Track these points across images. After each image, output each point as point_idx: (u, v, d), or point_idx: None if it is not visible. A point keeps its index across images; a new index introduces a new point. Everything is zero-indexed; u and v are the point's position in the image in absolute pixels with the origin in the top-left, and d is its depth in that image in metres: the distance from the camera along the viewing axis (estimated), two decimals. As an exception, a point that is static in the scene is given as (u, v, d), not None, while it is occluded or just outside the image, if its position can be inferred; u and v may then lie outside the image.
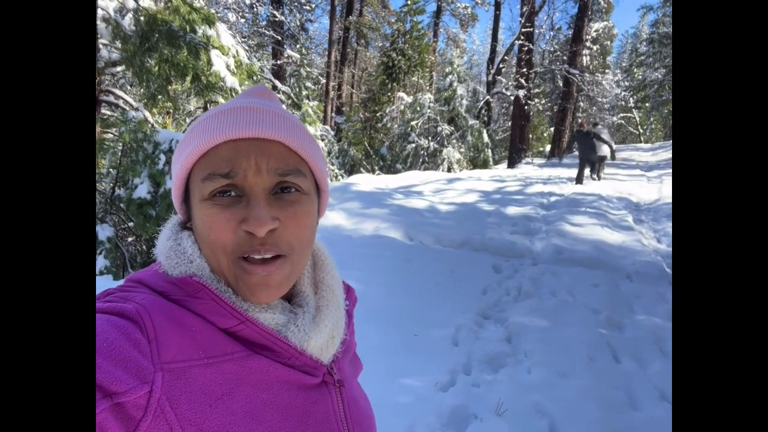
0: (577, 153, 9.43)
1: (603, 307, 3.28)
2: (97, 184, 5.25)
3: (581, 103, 20.10)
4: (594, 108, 22.94)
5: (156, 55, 4.47)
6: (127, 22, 4.39)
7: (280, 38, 14.51)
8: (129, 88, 8.73)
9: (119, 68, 4.82)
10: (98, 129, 5.06)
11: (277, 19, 14.59)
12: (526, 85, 14.03)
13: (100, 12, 4.14)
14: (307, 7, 15.93)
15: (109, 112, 6.15)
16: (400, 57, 14.62)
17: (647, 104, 23.39)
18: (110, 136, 5.07)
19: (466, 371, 2.48)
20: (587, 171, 9.04)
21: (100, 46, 4.29)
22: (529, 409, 2.14)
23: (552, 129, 17.85)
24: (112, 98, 5.45)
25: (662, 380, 2.42)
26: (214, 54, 4.85)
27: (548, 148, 17.76)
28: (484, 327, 3.03)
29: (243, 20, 14.68)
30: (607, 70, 21.41)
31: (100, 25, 4.18)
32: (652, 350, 2.73)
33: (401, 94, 13.36)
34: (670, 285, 3.83)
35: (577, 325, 2.98)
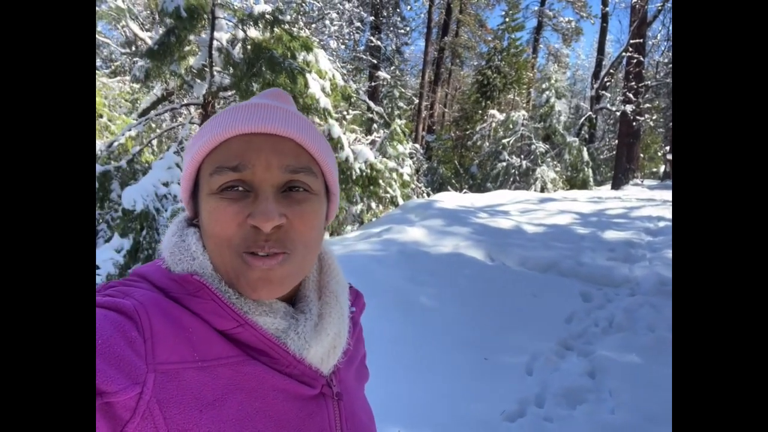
0: None
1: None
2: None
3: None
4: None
5: (260, 79, 4.96)
6: (237, 50, 4.93)
7: (376, 62, 15.17)
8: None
9: (229, 93, 5.40)
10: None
11: (374, 44, 15.30)
12: (635, 99, 12.88)
13: (215, 43, 4.71)
14: (403, 31, 16.48)
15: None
16: (495, 75, 14.39)
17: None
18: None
19: (539, 403, 2.29)
20: None
21: (214, 72, 4.87)
22: (609, 454, 1.91)
23: (667, 148, 16.07)
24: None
25: None
26: (311, 77, 5.23)
27: (663, 168, 16.01)
28: (565, 358, 2.78)
29: (343, 47, 15.65)
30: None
31: (215, 54, 4.75)
32: None
33: (494, 111, 13.10)
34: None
35: (679, 366, 2.60)
